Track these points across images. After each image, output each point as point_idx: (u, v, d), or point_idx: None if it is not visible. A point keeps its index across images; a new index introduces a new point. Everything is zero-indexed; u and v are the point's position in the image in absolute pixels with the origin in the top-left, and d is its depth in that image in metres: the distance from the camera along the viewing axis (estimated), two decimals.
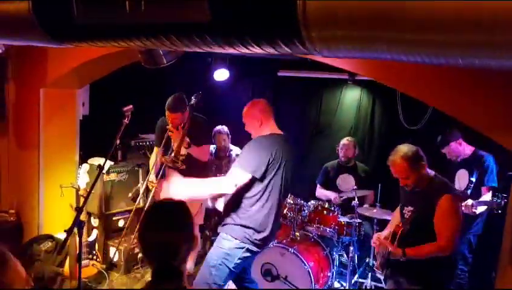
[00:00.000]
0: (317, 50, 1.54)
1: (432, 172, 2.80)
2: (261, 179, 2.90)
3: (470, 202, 3.50)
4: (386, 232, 3.10)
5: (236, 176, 2.87)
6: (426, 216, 2.66)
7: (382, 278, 3.03)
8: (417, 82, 2.56)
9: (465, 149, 3.98)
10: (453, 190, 2.78)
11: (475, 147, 3.98)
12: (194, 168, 3.88)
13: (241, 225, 2.95)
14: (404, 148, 2.73)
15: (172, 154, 3.57)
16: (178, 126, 3.84)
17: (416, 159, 2.69)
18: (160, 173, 4.04)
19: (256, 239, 2.96)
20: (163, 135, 3.96)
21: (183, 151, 3.80)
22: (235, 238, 2.95)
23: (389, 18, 1.32)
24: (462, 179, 3.91)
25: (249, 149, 2.98)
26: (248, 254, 2.99)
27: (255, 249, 3.00)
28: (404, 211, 2.89)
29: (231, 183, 2.86)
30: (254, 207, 2.95)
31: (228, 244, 2.96)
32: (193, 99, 3.71)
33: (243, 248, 2.94)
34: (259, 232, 2.96)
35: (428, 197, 2.69)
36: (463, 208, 3.39)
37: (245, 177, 2.86)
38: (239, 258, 2.95)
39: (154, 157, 4.33)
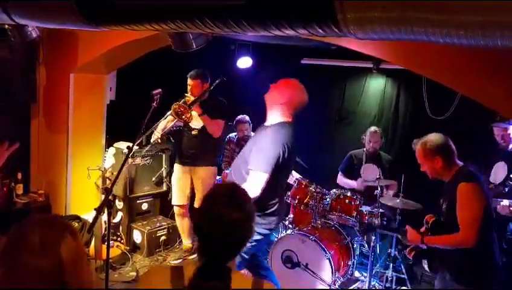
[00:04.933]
0: (352, 32, 1.53)
1: (460, 163, 2.67)
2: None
3: (506, 202, 3.22)
4: None
5: (257, 181, 2.79)
6: (453, 208, 2.54)
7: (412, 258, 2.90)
8: (450, 69, 2.51)
9: None
10: (473, 178, 2.54)
11: None
12: (204, 146, 4.37)
13: None
14: (430, 137, 2.67)
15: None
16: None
17: (432, 151, 2.62)
18: None
19: (259, 215, 2.90)
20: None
21: (197, 125, 4.30)
22: None
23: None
24: (499, 172, 3.54)
25: (262, 147, 2.86)
26: (258, 237, 2.93)
27: (263, 231, 2.97)
28: (441, 204, 2.82)
29: (257, 189, 2.77)
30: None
31: None
32: (216, 82, 4.21)
33: None
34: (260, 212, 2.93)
35: (453, 188, 2.58)
36: (498, 207, 3.18)
37: (265, 179, 2.79)
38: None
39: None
